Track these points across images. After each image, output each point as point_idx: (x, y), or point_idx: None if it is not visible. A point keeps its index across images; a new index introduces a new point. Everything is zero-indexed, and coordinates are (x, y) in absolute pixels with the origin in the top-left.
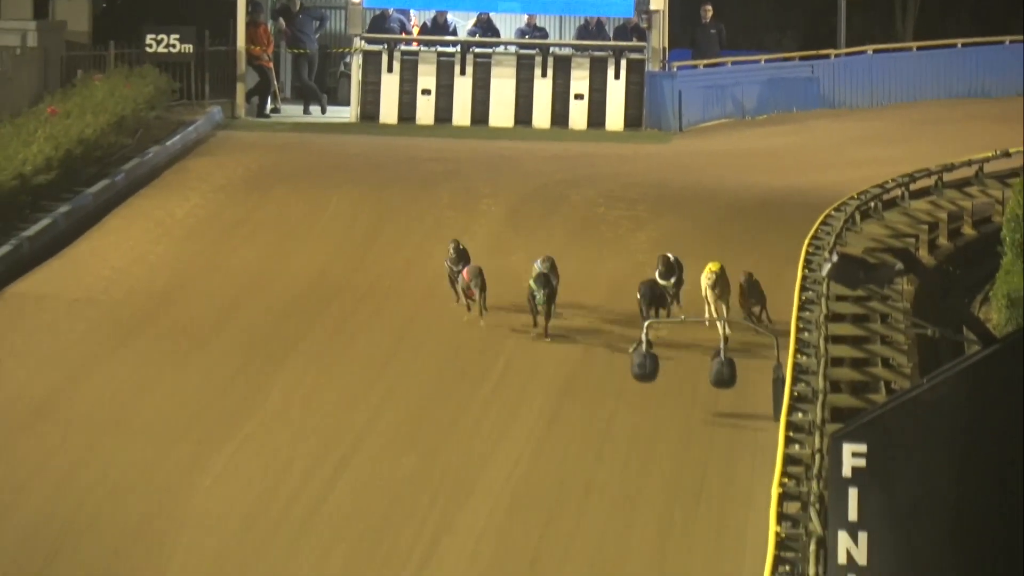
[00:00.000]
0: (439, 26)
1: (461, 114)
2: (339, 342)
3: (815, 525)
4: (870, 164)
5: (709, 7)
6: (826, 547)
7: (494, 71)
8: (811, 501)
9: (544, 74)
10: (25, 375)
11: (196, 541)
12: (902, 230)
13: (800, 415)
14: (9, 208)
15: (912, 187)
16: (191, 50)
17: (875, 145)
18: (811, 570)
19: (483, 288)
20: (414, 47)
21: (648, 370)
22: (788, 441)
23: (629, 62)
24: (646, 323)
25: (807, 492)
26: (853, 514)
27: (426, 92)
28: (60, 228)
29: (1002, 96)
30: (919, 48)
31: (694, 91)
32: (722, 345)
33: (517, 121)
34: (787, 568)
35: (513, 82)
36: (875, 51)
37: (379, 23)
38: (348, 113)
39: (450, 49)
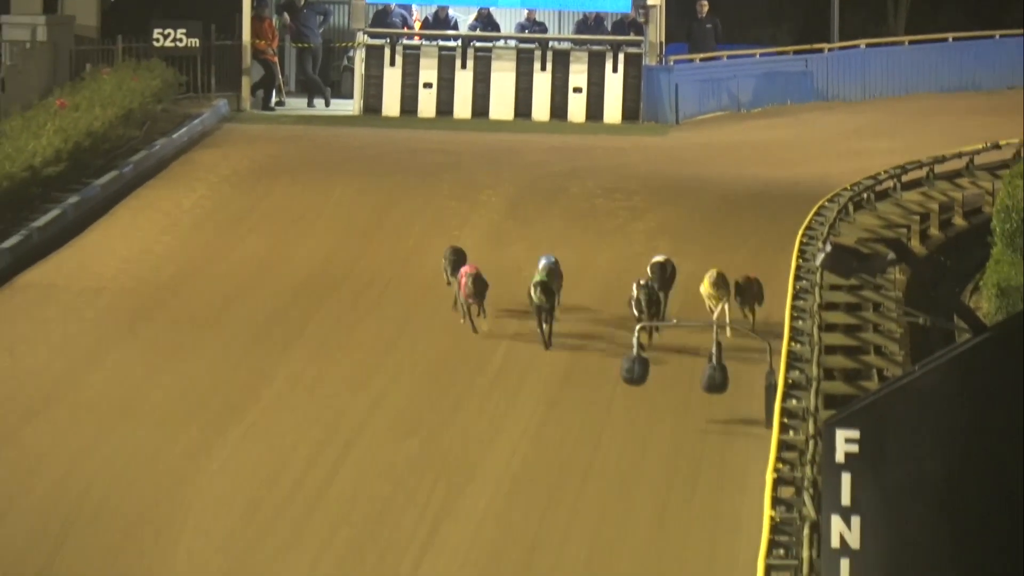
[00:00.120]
0: (440, 21)
1: (462, 107)
2: (343, 329)
3: (809, 510)
4: (863, 156)
5: (705, 2)
6: (820, 531)
7: (494, 65)
8: (805, 486)
9: (543, 68)
10: (35, 362)
11: (202, 525)
12: (894, 221)
13: (794, 402)
14: (20, 199)
15: (904, 179)
16: (197, 44)
17: (868, 137)
18: (805, 553)
19: (483, 291)
20: (416, 41)
21: (637, 375)
22: (782, 427)
23: (627, 56)
24: (638, 327)
25: (801, 477)
26: (846, 499)
27: (428, 85)
28: (69, 219)
29: (993, 89)
30: (911, 42)
31: (690, 84)
32: (714, 350)
33: (517, 114)
34: (781, 551)
35: (513, 75)
36: (868, 45)
37: (381, 18)
38: (351, 106)
39: (451, 43)
